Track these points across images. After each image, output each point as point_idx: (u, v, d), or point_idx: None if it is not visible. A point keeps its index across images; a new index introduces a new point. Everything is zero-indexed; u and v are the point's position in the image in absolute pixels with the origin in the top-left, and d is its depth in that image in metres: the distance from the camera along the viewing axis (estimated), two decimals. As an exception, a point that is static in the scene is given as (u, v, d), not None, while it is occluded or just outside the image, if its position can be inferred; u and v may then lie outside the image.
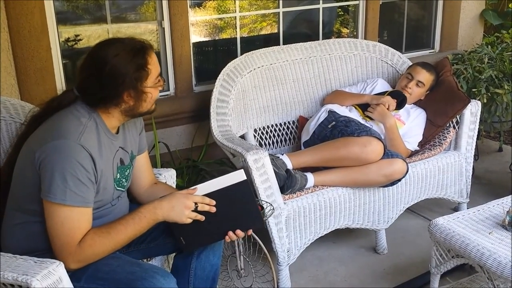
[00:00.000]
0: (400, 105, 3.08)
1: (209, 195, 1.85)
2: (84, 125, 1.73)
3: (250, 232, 1.96)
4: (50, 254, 1.69)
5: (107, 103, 1.79)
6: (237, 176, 1.88)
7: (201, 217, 1.82)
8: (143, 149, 2.10)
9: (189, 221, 1.81)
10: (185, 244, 1.90)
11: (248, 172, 1.93)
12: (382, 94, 3.15)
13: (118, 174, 1.88)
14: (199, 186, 1.87)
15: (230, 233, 1.90)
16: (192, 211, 1.81)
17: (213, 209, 1.83)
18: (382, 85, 3.29)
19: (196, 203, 1.81)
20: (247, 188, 1.90)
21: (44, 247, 1.73)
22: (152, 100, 1.85)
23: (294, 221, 2.62)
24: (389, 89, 3.27)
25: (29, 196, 1.72)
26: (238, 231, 1.91)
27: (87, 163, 1.68)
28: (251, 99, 3.14)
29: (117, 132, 1.89)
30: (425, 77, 3.22)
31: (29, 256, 1.65)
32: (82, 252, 1.68)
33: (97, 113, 1.80)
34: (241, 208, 1.91)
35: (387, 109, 3.01)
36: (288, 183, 2.58)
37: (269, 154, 2.55)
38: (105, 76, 1.74)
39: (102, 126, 1.80)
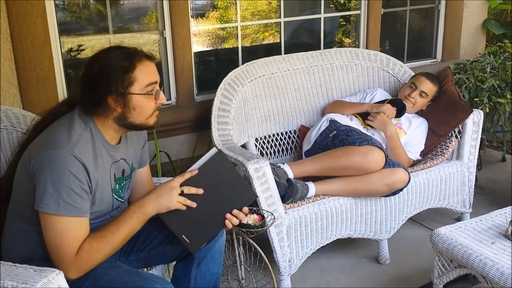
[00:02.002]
0: (399, 113, 3.08)
1: (190, 179, 1.83)
2: (79, 135, 1.72)
3: (246, 210, 1.93)
4: (49, 262, 1.68)
5: (98, 110, 1.77)
6: (211, 153, 1.89)
7: (191, 203, 1.80)
8: (145, 162, 2.10)
9: (180, 205, 1.79)
10: (190, 243, 1.86)
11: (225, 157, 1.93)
12: (382, 102, 3.15)
13: (117, 185, 1.88)
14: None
15: (229, 215, 1.88)
16: (180, 195, 1.79)
17: (200, 191, 1.81)
18: (381, 95, 3.29)
19: (181, 187, 1.79)
20: (224, 159, 1.90)
21: (42, 256, 1.72)
22: (144, 110, 1.78)
23: (296, 231, 2.60)
24: (389, 97, 3.27)
25: (27, 204, 1.71)
26: (235, 211, 1.89)
27: (81, 174, 1.67)
28: (252, 108, 3.14)
29: (119, 143, 1.88)
30: (429, 87, 3.21)
31: (29, 265, 1.64)
32: (81, 260, 1.67)
33: (94, 123, 1.78)
34: (227, 183, 1.90)
35: (387, 117, 3.01)
36: (289, 192, 2.58)
37: (270, 163, 2.55)
38: (91, 77, 1.74)
39: (98, 136, 1.78)
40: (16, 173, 1.79)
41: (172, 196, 1.78)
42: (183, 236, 1.85)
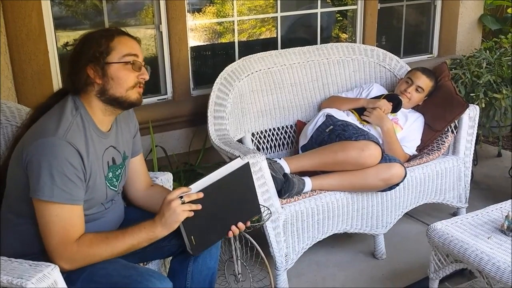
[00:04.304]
0: (395, 108, 3.08)
1: (213, 185, 1.80)
2: (70, 122, 1.72)
3: (248, 224, 1.94)
4: (44, 257, 1.68)
5: (81, 85, 1.78)
6: (237, 163, 1.88)
7: (197, 206, 1.75)
8: (138, 151, 2.09)
9: (187, 214, 1.74)
10: (195, 244, 1.83)
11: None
12: (378, 97, 3.15)
13: (110, 173, 1.87)
14: (198, 182, 1.80)
15: (234, 227, 1.88)
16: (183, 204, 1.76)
17: (200, 194, 1.76)
18: (377, 90, 3.28)
19: (181, 197, 1.74)
20: (249, 172, 1.90)
21: (37, 250, 1.72)
22: (122, 81, 1.77)
23: (292, 226, 2.60)
24: (385, 92, 3.27)
25: (20, 197, 1.71)
26: (240, 224, 1.89)
27: (75, 160, 1.67)
28: (249, 103, 3.14)
29: (109, 130, 1.87)
30: (425, 82, 3.21)
31: (24, 260, 1.64)
32: (78, 252, 1.67)
33: (84, 108, 1.78)
34: (243, 195, 1.91)
35: (383, 112, 3.01)
36: (286, 187, 2.57)
37: (267, 158, 2.54)
38: (74, 51, 1.80)
39: (89, 122, 1.78)
40: (9, 167, 1.78)
41: (174, 210, 1.73)
42: (192, 237, 1.82)
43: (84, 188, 1.73)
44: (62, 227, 1.66)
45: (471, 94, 3.56)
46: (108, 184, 1.86)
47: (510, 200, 2.42)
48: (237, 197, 1.90)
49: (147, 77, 1.83)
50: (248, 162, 1.90)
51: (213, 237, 1.92)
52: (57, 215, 1.65)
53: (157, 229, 1.74)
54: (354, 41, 4.01)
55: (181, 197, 1.74)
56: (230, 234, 1.90)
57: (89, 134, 1.77)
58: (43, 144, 1.65)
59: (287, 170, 2.67)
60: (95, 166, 1.78)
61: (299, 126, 3.26)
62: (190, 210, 1.75)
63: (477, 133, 3.20)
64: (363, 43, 3.95)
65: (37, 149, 1.64)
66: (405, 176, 2.70)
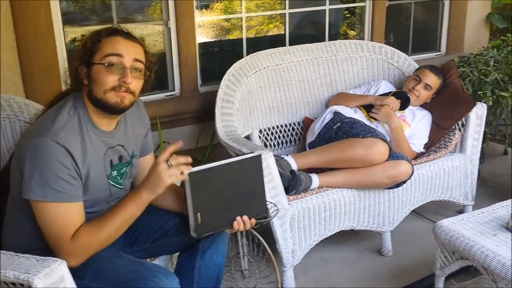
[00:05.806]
0: (403, 105, 3.08)
1: (222, 165, 1.80)
2: (65, 122, 1.71)
3: (254, 222, 1.93)
4: (50, 253, 1.68)
5: (77, 85, 1.78)
6: (252, 154, 1.89)
7: (183, 177, 1.73)
8: (149, 150, 2.09)
9: (175, 178, 1.72)
10: (199, 224, 1.81)
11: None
12: (386, 94, 3.15)
13: (115, 172, 1.86)
14: (206, 165, 1.80)
15: (239, 219, 1.87)
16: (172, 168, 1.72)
17: (189, 159, 1.74)
18: (385, 87, 3.28)
19: (168, 160, 1.71)
20: (260, 164, 1.90)
21: (41, 246, 1.71)
22: (100, 82, 1.72)
23: (299, 222, 2.61)
24: (393, 90, 3.26)
25: (20, 193, 1.69)
26: (245, 218, 1.88)
27: (66, 160, 1.65)
28: (257, 99, 3.14)
29: (115, 128, 1.86)
30: (433, 80, 3.21)
31: (31, 255, 1.64)
32: (78, 246, 1.66)
33: (84, 108, 1.77)
34: (251, 188, 1.91)
35: (391, 109, 3.01)
36: (293, 184, 2.58)
37: (274, 154, 2.54)
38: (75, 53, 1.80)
39: (87, 122, 1.77)
40: (11, 163, 1.79)
41: (160, 174, 1.70)
42: (198, 214, 1.81)
43: (80, 186, 1.71)
44: (61, 225, 1.65)
45: (479, 92, 3.55)
46: (112, 183, 1.85)
47: (515, 198, 2.42)
48: (245, 187, 1.89)
49: (128, 80, 1.73)
50: (260, 155, 1.89)
51: (218, 223, 1.89)
52: (54, 214, 1.65)
53: (143, 194, 1.73)
54: (362, 38, 4.00)
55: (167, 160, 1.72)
56: (235, 225, 1.88)
57: (87, 135, 1.75)
58: (35, 144, 1.64)
59: (294, 167, 2.67)
60: (95, 166, 1.76)
61: (307, 123, 3.26)
62: (181, 173, 1.73)
63: (484, 131, 3.19)
64: (371, 40, 3.94)
65: (30, 149, 1.64)
66: (412, 173, 2.70)
